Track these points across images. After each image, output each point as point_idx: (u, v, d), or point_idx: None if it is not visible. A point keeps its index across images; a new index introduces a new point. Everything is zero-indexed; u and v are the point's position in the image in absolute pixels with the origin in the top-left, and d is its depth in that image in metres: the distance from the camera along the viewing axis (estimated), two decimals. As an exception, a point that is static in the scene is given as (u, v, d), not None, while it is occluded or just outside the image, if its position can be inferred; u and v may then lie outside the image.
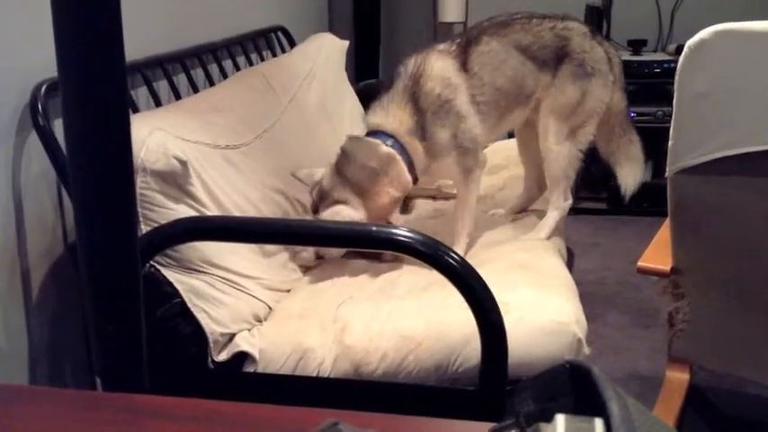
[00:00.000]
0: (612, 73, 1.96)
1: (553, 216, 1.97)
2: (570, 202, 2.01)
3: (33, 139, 1.46)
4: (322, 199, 1.76)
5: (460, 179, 1.85)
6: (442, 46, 1.85)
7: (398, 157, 1.75)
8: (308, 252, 1.83)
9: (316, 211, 1.79)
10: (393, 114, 1.78)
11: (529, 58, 1.88)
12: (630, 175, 2.03)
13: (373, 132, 1.79)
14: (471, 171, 1.83)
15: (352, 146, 1.78)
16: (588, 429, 0.30)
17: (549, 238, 1.94)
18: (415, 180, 1.82)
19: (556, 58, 1.90)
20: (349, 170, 1.74)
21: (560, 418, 0.30)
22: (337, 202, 1.73)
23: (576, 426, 0.30)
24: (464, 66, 1.81)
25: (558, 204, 1.98)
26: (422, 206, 2.28)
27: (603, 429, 0.29)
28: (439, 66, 1.79)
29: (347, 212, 1.71)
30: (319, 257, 1.86)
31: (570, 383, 0.36)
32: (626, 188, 2.03)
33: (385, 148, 1.75)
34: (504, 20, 1.92)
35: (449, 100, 1.76)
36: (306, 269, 1.84)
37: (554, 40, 1.90)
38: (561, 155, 1.93)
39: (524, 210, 2.15)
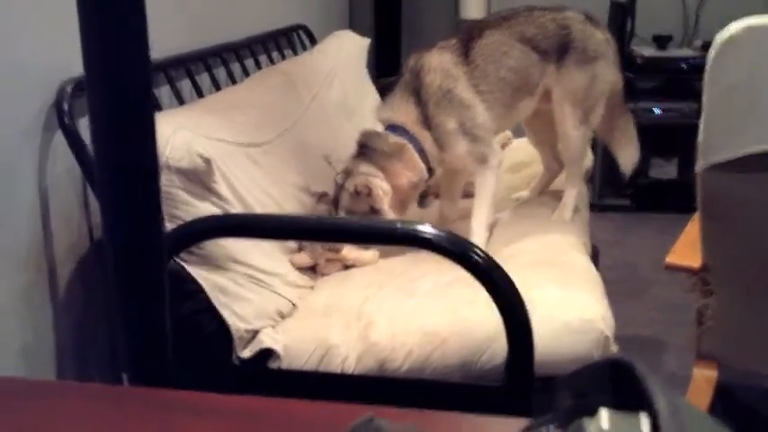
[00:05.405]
0: (612, 54, 2.03)
1: (572, 194, 2.06)
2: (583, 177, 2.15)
3: (59, 138, 1.47)
4: (348, 174, 1.81)
5: (476, 169, 1.86)
6: (442, 42, 1.89)
7: (409, 145, 1.81)
8: (301, 255, 1.80)
9: (336, 203, 1.80)
10: (398, 107, 1.85)
11: (532, 49, 1.92)
12: (630, 156, 2.14)
13: (384, 127, 1.87)
14: (486, 160, 1.84)
15: (364, 138, 1.85)
16: (633, 424, 0.29)
17: (572, 216, 2.02)
18: (431, 171, 1.86)
19: (559, 48, 1.95)
20: (367, 156, 1.81)
21: (604, 413, 0.29)
22: (366, 174, 1.78)
23: (621, 421, 0.29)
24: (465, 58, 1.85)
25: (575, 182, 2.08)
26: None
27: (649, 425, 0.29)
28: (437, 59, 1.84)
29: (378, 181, 1.77)
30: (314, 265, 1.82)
31: (609, 380, 0.35)
32: (626, 168, 2.14)
33: (394, 137, 1.82)
34: (507, 14, 1.98)
35: (450, 89, 1.81)
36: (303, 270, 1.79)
37: (556, 30, 1.96)
38: (579, 138, 2.01)
39: (547, 188, 2.23)
